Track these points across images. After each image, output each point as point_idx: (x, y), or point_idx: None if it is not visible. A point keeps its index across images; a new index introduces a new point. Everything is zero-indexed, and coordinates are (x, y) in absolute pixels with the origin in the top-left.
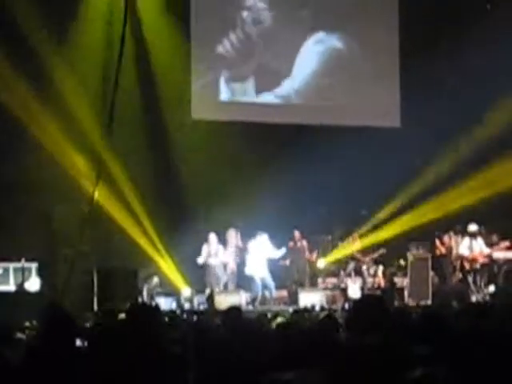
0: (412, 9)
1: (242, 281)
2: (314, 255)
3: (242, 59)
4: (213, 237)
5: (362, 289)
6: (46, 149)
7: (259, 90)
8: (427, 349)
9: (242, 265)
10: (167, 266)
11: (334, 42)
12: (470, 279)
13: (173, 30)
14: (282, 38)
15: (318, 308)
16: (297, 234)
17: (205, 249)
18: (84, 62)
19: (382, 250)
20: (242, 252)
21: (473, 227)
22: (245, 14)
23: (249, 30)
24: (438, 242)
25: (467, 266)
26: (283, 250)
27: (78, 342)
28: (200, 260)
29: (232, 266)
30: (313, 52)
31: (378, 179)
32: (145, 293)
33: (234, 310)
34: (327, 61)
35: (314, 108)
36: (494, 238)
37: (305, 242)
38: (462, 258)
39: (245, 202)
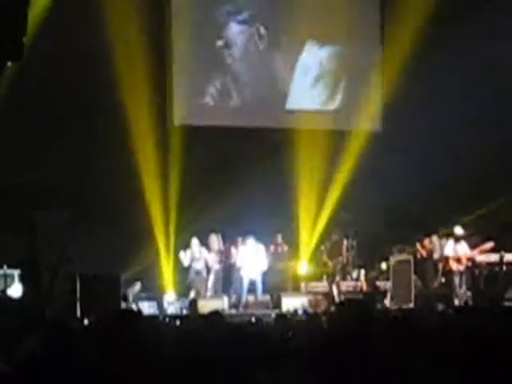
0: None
1: (226, 284)
2: (298, 260)
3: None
4: (195, 241)
5: (341, 294)
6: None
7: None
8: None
9: (225, 268)
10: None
11: (319, 53)
12: (454, 282)
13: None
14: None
15: (300, 312)
16: (279, 238)
17: (187, 253)
18: None
19: (353, 242)
20: (224, 256)
21: (458, 230)
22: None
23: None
24: (418, 246)
25: (453, 266)
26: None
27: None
28: (185, 263)
29: (215, 270)
30: (298, 62)
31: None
32: (130, 298)
33: (215, 315)
34: (311, 68)
35: (299, 113)
36: (475, 239)
37: (285, 247)
38: (446, 259)
39: (227, 207)
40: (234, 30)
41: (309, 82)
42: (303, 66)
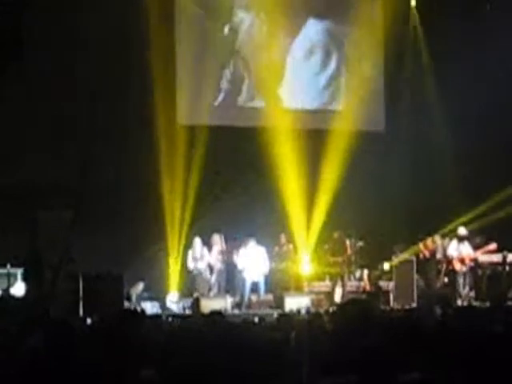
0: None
1: (229, 284)
2: (301, 259)
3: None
4: (197, 241)
5: (343, 294)
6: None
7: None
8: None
9: (228, 268)
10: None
11: (322, 52)
12: (457, 282)
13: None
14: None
15: (303, 312)
16: (283, 238)
17: (190, 253)
18: None
19: (360, 243)
20: (226, 256)
21: (462, 231)
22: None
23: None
24: (421, 246)
25: (456, 266)
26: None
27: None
28: (189, 264)
29: (218, 269)
30: (300, 61)
31: (363, 182)
32: (133, 298)
33: (216, 315)
34: (314, 67)
35: (303, 112)
36: (478, 240)
37: (291, 246)
38: (449, 260)
39: (231, 207)
40: (239, 16)
41: (302, 55)
42: (300, 43)
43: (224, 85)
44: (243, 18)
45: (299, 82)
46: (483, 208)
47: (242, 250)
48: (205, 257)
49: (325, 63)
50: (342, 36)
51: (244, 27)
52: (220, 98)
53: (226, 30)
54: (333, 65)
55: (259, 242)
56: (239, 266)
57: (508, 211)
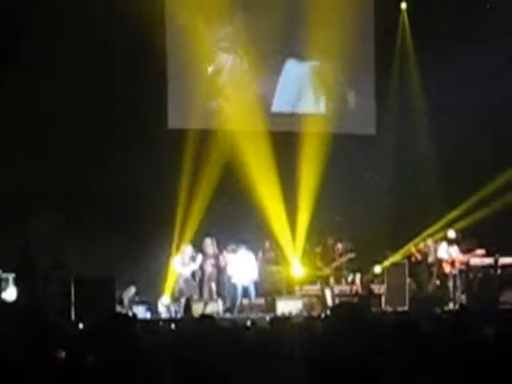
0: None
1: (221, 288)
2: (291, 263)
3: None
4: (187, 247)
5: (334, 297)
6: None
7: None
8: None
9: (220, 272)
10: None
11: (312, 60)
12: (449, 285)
13: None
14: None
15: (295, 315)
16: (267, 244)
17: (178, 259)
18: None
19: (351, 255)
20: (218, 260)
21: (452, 234)
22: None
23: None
24: (413, 249)
25: (446, 269)
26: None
27: (62, 354)
28: (176, 269)
29: (210, 273)
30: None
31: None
32: (125, 302)
33: (207, 319)
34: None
35: (294, 116)
36: (469, 243)
37: (272, 253)
38: (440, 262)
39: (219, 212)
40: (222, 57)
41: (293, 95)
42: (286, 81)
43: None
44: (226, 58)
45: (288, 86)
46: (466, 206)
47: (232, 256)
48: (196, 262)
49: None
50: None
51: (227, 67)
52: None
53: (210, 69)
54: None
55: (248, 249)
56: (229, 272)
57: (489, 209)
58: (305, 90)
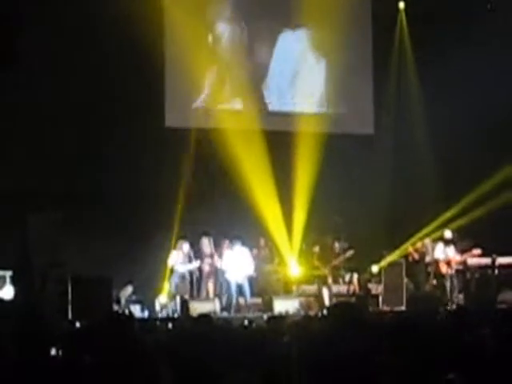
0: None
1: (218, 287)
2: (287, 262)
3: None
4: (185, 244)
5: (331, 297)
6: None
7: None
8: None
9: (217, 271)
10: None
11: (310, 55)
12: (446, 285)
13: None
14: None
15: (293, 314)
16: (262, 241)
17: (177, 256)
18: None
19: (350, 252)
20: (215, 258)
21: (448, 234)
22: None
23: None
24: (411, 249)
25: (443, 269)
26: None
27: (53, 352)
28: (169, 264)
29: (207, 272)
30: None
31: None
32: (122, 301)
33: (204, 318)
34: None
35: (292, 115)
36: (466, 243)
37: (267, 251)
38: (437, 263)
39: (218, 211)
40: (221, 27)
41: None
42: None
43: (206, 88)
44: (225, 27)
45: (282, 86)
46: (463, 206)
47: (227, 252)
48: (193, 263)
49: (308, 68)
50: (326, 43)
51: (226, 36)
52: (200, 100)
53: (210, 38)
54: (318, 69)
55: (243, 245)
56: (222, 268)
57: (486, 208)
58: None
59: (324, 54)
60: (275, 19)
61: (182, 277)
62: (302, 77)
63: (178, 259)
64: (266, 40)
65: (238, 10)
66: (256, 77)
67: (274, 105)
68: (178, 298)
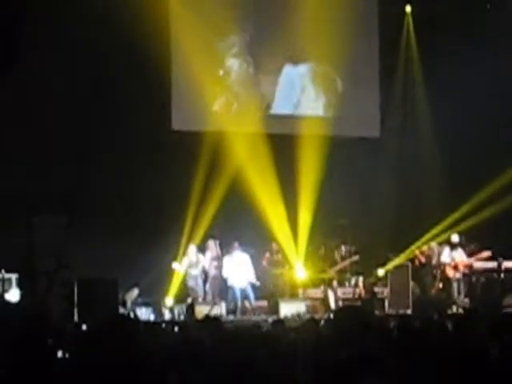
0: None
1: (223, 290)
2: (295, 266)
3: None
4: (192, 248)
5: (338, 300)
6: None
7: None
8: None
9: (222, 274)
10: None
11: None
12: (452, 289)
13: None
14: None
15: (298, 318)
16: (275, 246)
17: (184, 260)
18: None
19: (355, 257)
20: (221, 262)
21: (455, 238)
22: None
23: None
24: (417, 252)
25: (450, 274)
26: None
27: (60, 354)
28: (182, 271)
29: (212, 275)
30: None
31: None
32: (128, 303)
33: (213, 321)
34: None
35: (297, 118)
36: (473, 247)
37: (280, 256)
38: (443, 267)
39: (224, 214)
40: (230, 61)
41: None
42: (286, 82)
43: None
44: (233, 62)
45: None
46: (466, 208)
47: (226, 259)
48: (199, 263)
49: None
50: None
51: (235, 69)
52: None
53: (221, 72)
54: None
55: (246, 251)
56: (224, 275)
57: (492, 211)
58: (305, 91)
59: (330, 58)
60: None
61: (195, 278)
62: (308, 81)
63: (189, 263)
64: (271, 71)
65: (242, 45)
66: (263, 103)
67: (278, 108)
68: (188, 301)
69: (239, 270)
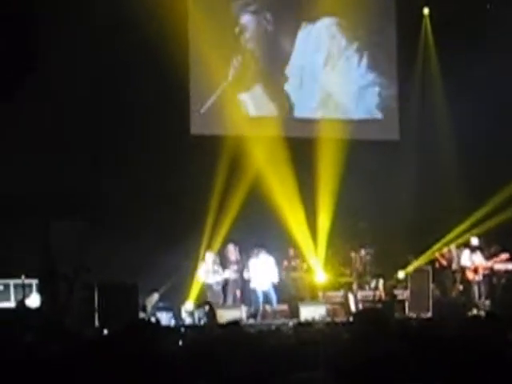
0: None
1: (244, 295)
2: (314, 269)
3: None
4: (209, 255)
5: (357, 303)
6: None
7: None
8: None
9: (243, 279)
10: None
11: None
12: (472, 291)
13: None
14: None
15: (319, 321)
16: (291, 252)
17: (202, 267)
18: None
19: (369, 249)
20: (241, 266)
21: (474, 241)
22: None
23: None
24: (438, 255)
25: (470, 276)
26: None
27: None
28: (200, 279)
29: (233, 279)
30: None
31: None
32: (148, 308)
33: (233, 325)
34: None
35: (316, 121)
36: (493, 249)
37: (298, 261)
38: (463, 270)
39: (244, 218)
40: (247, 18)
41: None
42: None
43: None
44: (250, 19)
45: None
46: (485, 210)
47: (252, 261)
48: (218, 271)
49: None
50: (352, 39)
51: (251, 27)
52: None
53: (237, 29)
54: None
55: (269, 254)
56: (246, 276)
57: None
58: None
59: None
60: (298, 11)
61: (212, 287)
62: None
63: (206, 270)
64: (290, 31)
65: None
66: (277, 65)
67: (297, 111)
68: (206, 307)
69: (264, 271)
